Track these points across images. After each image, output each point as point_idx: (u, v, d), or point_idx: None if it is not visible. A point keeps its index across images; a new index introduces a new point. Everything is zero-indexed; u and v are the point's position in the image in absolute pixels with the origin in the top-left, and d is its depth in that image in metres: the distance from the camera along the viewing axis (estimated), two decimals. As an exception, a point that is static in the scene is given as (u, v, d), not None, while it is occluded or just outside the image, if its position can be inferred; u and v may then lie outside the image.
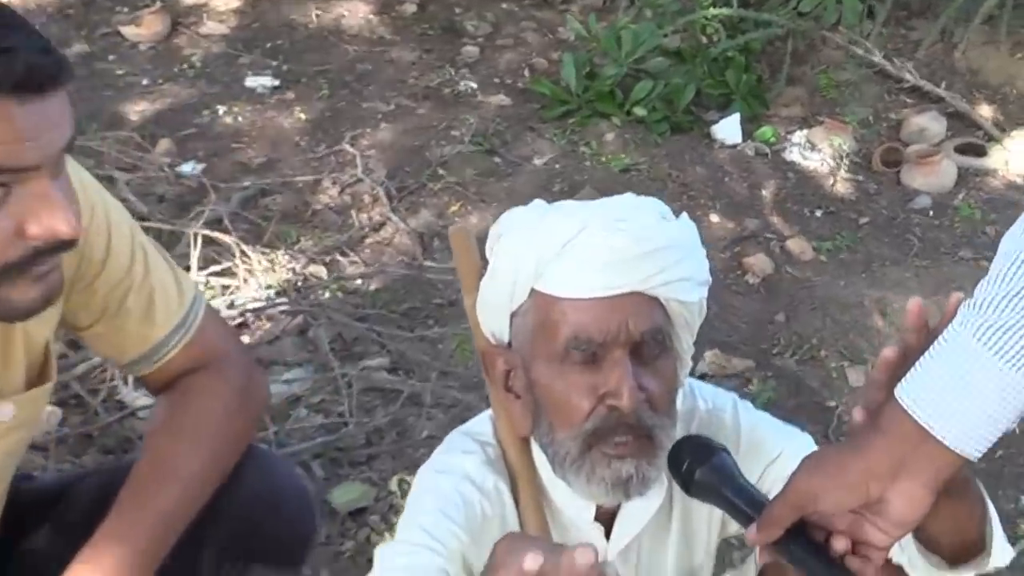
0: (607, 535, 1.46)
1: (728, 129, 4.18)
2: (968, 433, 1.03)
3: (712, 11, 4.26)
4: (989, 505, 1.31)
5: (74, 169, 1.31)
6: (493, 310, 1.41)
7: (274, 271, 3.21)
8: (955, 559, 1.33)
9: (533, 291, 1.36)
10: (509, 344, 1.41)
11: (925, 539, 1.33)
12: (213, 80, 4.38)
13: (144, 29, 4.60)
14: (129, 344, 1.48)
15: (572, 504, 1.43)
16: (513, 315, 1.39)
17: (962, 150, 4.20)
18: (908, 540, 1.34)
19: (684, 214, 1.42)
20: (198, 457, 1.45)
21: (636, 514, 1.46)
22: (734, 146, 4.16)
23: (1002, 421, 1.02)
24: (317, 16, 4.87)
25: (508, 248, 1.39)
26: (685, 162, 4.01)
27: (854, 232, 3.78)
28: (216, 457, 1.47)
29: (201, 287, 3.02)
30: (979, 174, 4.19)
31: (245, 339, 2.89)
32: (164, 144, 3.88)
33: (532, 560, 0.93)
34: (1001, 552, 1.32)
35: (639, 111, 4.15)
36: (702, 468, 1.29)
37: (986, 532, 1.31)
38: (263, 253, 3.26)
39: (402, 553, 1.33)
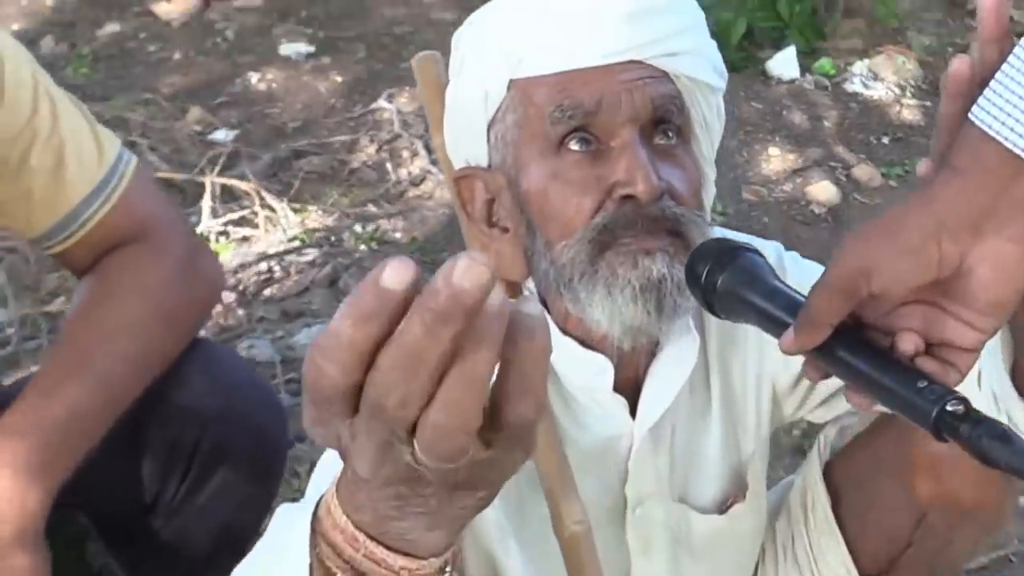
0: (632, 411, 1.23)
1: (784, 64, 3.95)
2: None
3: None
4: None
5: None
6: (466, 128, 1.17)
7: (304, 224, 3.06)
8: None
9: (511, 83, 1.12)
10: (489, 166, 1.17)
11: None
12: (246, 51, 4.24)
13: (175, 6, 4.48)
14: (38, 211, 1.27)
15: (583, 369, 1.19)
16: (491, 126, 1.15)
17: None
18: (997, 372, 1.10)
19: None
20: (120, 343, 1.25)
21: (666, 380, 1.22)
22: (791, 81, 3.92)
23: None
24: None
25: (474, 40, 1.15)
26: (740, 98, 3.78)
27: (924, 156, 3.53)
28: (148, 342, 1.27)
29: (218, 237, 2.87)
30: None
31: (269, 292, 2.73)
32: (195, 113, 3.74)
33: (395, 273, 0.54)
34: None
35: (689, 51, 3.94)
36: (725, 273, 0.99)
37: None
38: (293, 209, 3.10)
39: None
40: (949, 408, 0.79)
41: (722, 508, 1.34)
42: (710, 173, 1.21)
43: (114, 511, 1.34)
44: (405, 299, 0.53)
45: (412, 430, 0.56)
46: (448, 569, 0.70)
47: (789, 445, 2.30)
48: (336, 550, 0.67)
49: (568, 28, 1.10)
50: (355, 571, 0.67)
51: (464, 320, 0.52)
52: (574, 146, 1.10)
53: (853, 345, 0.86)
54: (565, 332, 1.19)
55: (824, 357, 0.87)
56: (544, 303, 1.18)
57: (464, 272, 0.51)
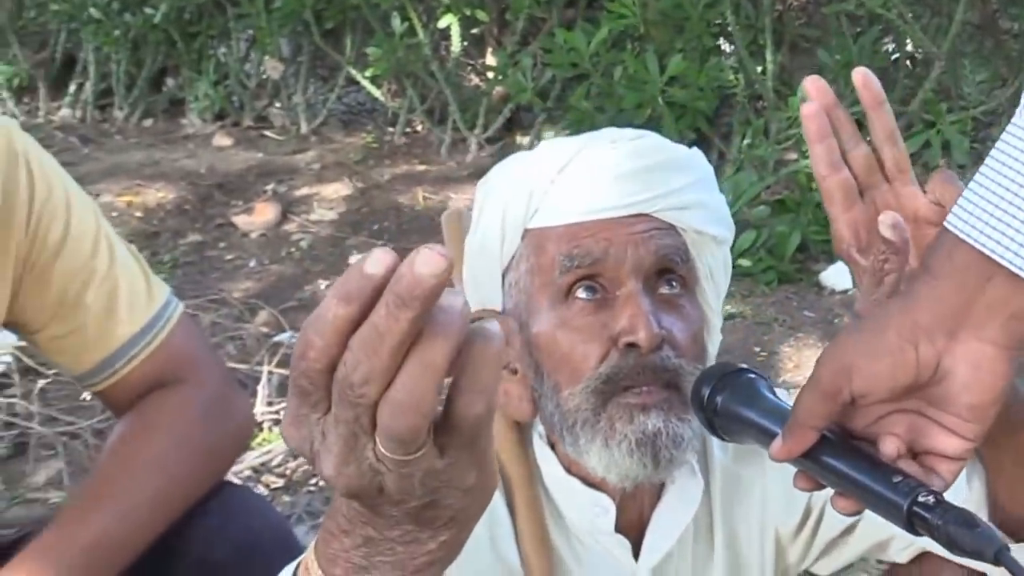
0: (635, 553, 1.25)
1: (837, 276, 4.00)
2: None
3: (814, 159, 4.15)
4: None
5: (31, 146, 1.25)
6: (481, 271, 1.24)
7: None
8: None
9: (526, 232, 1.19)
10: (503, 311, 1.23)
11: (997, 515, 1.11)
12: (318, 260, 4.43)
13: (255, 218, 4.71)
14: (88, 348, 1.34)
15: (586, 510, 1.22)
16: (505, 272, 1.22)
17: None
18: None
19: (695, 148, 1.27)
20: (150, 479, 1.29)
21: (669, 521, 1.25)
22: (845, 291, 3.97)
23: None
24: (424, 199, 4.93)
25: (495, 190, 1.22)
26: (792, 308, 3.84)
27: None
28: (174, 479, 1.31)
29: (271, 425, 2.94)
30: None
31: (315, 480, 2.77)
32: (263, 316, 3.89)
33: (377, 260, 0.60)
34: None
35: (744, 262, 4.02)
36: (725, 392, 1.02)
37: None
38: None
39: None
40: (920, 499, 0.82)
41: (724, 655, 1.33)
42: (715, 321, 1.26)
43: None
44: (383, 284, 0.59)
45: (374, 425, 0.62)
46: None
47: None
48: None
49: (581, 182, 1.18)
50: None
51: (421, 305, 0.58)
52: (581, 294, 1.16)
53: (838, 451, 0.88)
54: (569, 472, 1.23)
55: (812, 465, 0.89)
56: (551, 444, 1.23)
57: (424, 261, 0.57)
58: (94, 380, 1.38)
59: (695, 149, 1.27)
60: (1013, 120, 0.77)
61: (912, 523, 0.83)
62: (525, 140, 5.19)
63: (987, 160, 0.78)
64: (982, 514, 1.14)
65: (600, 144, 1.21)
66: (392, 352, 0.59)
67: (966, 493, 1.15)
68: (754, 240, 4.03)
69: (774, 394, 1.02)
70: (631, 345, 1.13)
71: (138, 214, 4.78)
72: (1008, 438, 1.06)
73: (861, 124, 1.08)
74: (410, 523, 0.68)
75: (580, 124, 4.50)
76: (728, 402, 1.02)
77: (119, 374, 1.37)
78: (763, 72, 4.53)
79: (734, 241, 4.04)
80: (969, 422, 0.82)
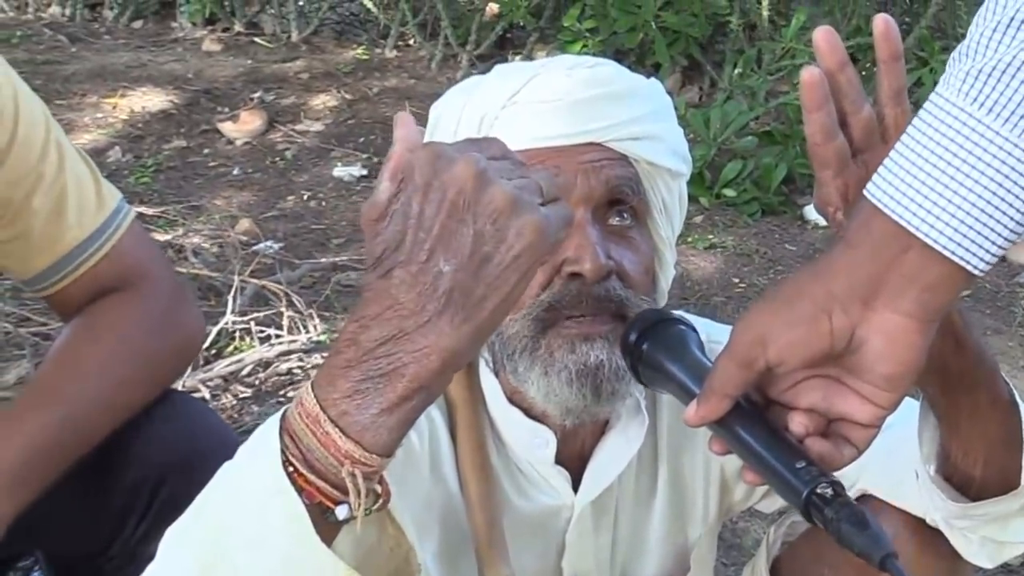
0: (575, 485, 1.25)
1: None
2: (965, 232, 0.74)
3: (804, 92, 4.12)
4: None
5: None
6: None
7: (331, 332, 3.12)
8: (979, 493, 1.11)
9: None
10: None
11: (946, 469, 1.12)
12: (301, 171, 4.40)
13: (241, 125, 4.67)
14: (35, 253, 1.32)
15: (527, 439, 1.22)
16: None
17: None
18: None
19: (653, 78, 1.25)
20: (92, 382, 1.29)
21: (611, 457, 1.24)
22: (827, 227, 3.96)
23: (1010, 217, 0.74)
24: (413, 113, 4.88)
25: (448, 112, 1.20)
26: (774, 240, 3.84)
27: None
28: (117, 386, 1.30)
29: (242, 335, 2.94)
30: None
31: (285, 392, 2.78)
32: (244, 224, 3.87)
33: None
34: None
35: (728, 192, 4.01)
36: (650, 341, 1.03)
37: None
38: (321, 316, 3.17)
39: None
40: (818, 491, 0.83)
41: (662, 589, 1.35)
42: (668, 256, 1.24)
43: (70, 552, 1.36)
44: None
45: None
46: (377, 507, 0.83)
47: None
48: (295, 439, 0.82)
49: (533, 109, 1.16)
50: (306, 462, 0.81)
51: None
52: None
53: (750, 423, 0.88)
54: (512, 402, 1.22)
55: (725, 432, 0.90)
56: (496, 372, 1.22)
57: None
58: (42, 285, 1.37)
59: (653, 80, 1.25)
60: (936, 90, 0.76)
61: (809, 511, 0.84)
62: (517, 59, 5.13)
63: (908, 129, 0.77)
64: (932, 467, 1.14)
65: (555, 71, 1.19)
66: None
67: (917, 448, 1.15)
68: (740, 171, 4.02)
69: (702, 351, 1.02)
70: (575, 275, 1.12)
71: (123, 116, 4.74)
72: (967, 397, 1.07)
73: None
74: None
75: (572, 45, 4.46)
76: (653, 351, 1.03)
77: (67, 280, 1.35)
78: (758, 1, 4.48)
79: (720, 172, 4.06)
80: (884, 391, 0.83)
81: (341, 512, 0.82)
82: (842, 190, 0.99)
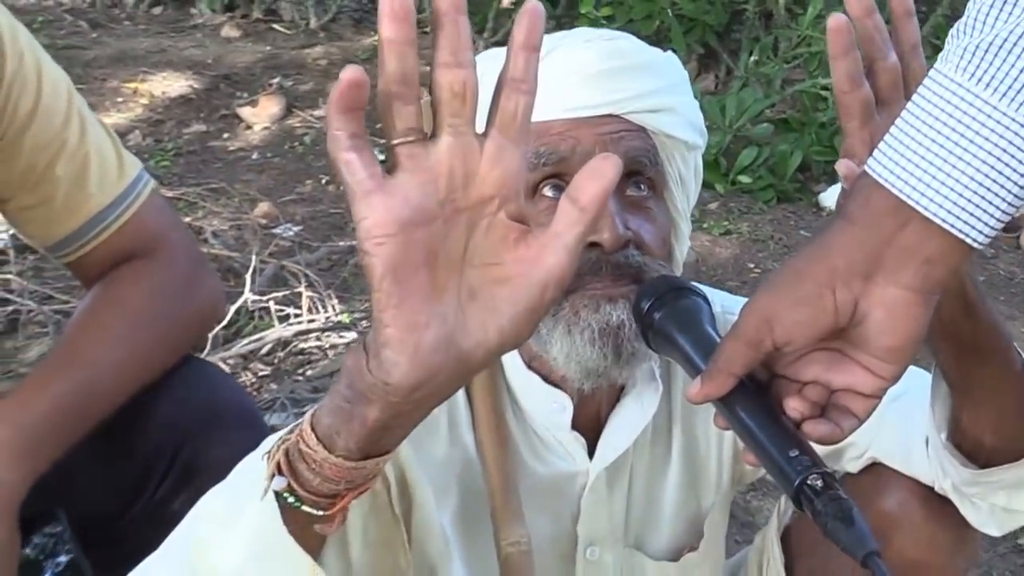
0: (591, 452, 1.28)
1: (836, 197, 3.99)
2: (963, 205, 0.75)
3: (820, 80, 4.12)
4: None
5: (1, 16, 1.24)
6: None
7: (348, 312, 3.15)
8: (988, 460, 1.14)
9: None
10: None
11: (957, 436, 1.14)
12: (320, 155, 4.42)
13: (260, 111, 4.70)
14: (57, 220, 1.35)
15: (544, 404, 1.25)
16: None
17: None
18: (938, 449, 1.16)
19: (670, 52, 1.27)
20: (113, 347, 1.31)
21: (626, 424, 1.27)
22: (843, 213, 3.97)
23: (1008, 190, 0.75)
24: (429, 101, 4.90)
25: None
26: (790, 227, 3.85)
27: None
28: (137, 351, 1.33)
29: (261, 314, 2.97)
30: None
31: (303, 371, 2.81)
32: (263, 207, 3.90)
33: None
34: None
35: (744, 179, 4.02)
36: (664, 310, 1.05)
37: None
38: (339, 297, 3.20)
39: None
40: (809, 482, 0.85)
41: (675, 556, 1.37)
42: (684, 227, 1.26)
43: (91, 512, 1.39)
44: None
45: None
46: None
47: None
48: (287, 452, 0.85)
49: (552, 81, 1.16)
50: (290, 467, 0.85)
51: None
52: (548, 192, 1.17)
53: (751, 404, 0.89)
54: (530, 367, 1.25)
55: (726, 411, 0.91)
56: None
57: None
58: (64, 251, 1.40)
59: (670, 53, 1.27)
60: (935, 66, 0.78)
61: (799, 501, 0.86)
62: (534, 46, 5.14)
63: (908, 106, 0.79)
64: (943, 435, 1.16)
65: (574, 43, 1.20)
66: None
67: (929, 416, 1.17)
68: (755, 157, 4.03)
69: (714, 325, 1.04)
70: (594, 244, 1.13)
71: (143, 101, 4.77)
72: (979, 364, 1.09)
73: None
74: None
75: (589, 32, 4.47)
76: (664, 321, 1.05)
77: (88, 246, 1.38)
78: (776, -11, 4.49)
79: (735, 159, 4.06)
80: (886, 363, 0.84)
81: (278, 484, 0.85)
82: (867, 141, 1.00)
